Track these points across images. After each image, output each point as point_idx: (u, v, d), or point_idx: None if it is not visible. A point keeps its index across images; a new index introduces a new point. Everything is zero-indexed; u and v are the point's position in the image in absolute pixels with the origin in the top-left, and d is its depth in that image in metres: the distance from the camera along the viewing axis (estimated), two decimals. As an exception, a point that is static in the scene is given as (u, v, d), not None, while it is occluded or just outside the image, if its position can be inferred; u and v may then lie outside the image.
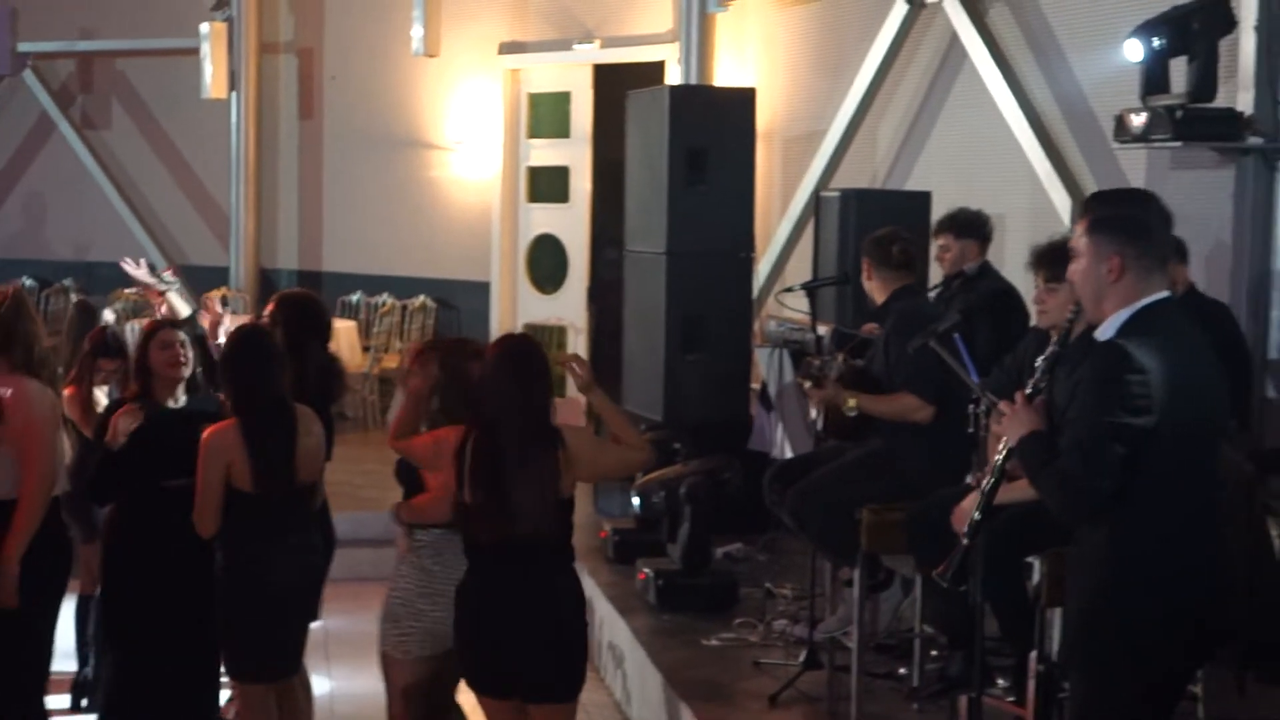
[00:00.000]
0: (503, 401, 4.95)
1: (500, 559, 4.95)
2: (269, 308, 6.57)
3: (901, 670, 6.61)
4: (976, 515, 4.44)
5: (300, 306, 6.54)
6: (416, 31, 13.94)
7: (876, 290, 6.69)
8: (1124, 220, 4.03)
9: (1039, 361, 4.24)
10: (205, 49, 15.05)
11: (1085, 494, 3.88)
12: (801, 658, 6.70)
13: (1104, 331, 3.99)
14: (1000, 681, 5.85)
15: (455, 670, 5.33)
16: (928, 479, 6.03)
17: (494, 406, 4.95)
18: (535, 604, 4.93)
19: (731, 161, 8.93)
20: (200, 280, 15.52)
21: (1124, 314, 3.96)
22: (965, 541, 4.49)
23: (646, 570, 7.96)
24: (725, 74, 12.39)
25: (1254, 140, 7.54)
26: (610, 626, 7.83)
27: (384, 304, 14.46)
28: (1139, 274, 3.97)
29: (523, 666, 4.93)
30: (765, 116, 10.90)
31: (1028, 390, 4.16)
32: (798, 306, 7.67)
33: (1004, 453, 4.27)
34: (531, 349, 5.13)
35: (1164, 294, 4.01)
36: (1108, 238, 3.99)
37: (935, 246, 7.59)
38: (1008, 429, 4.13)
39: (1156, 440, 3.84)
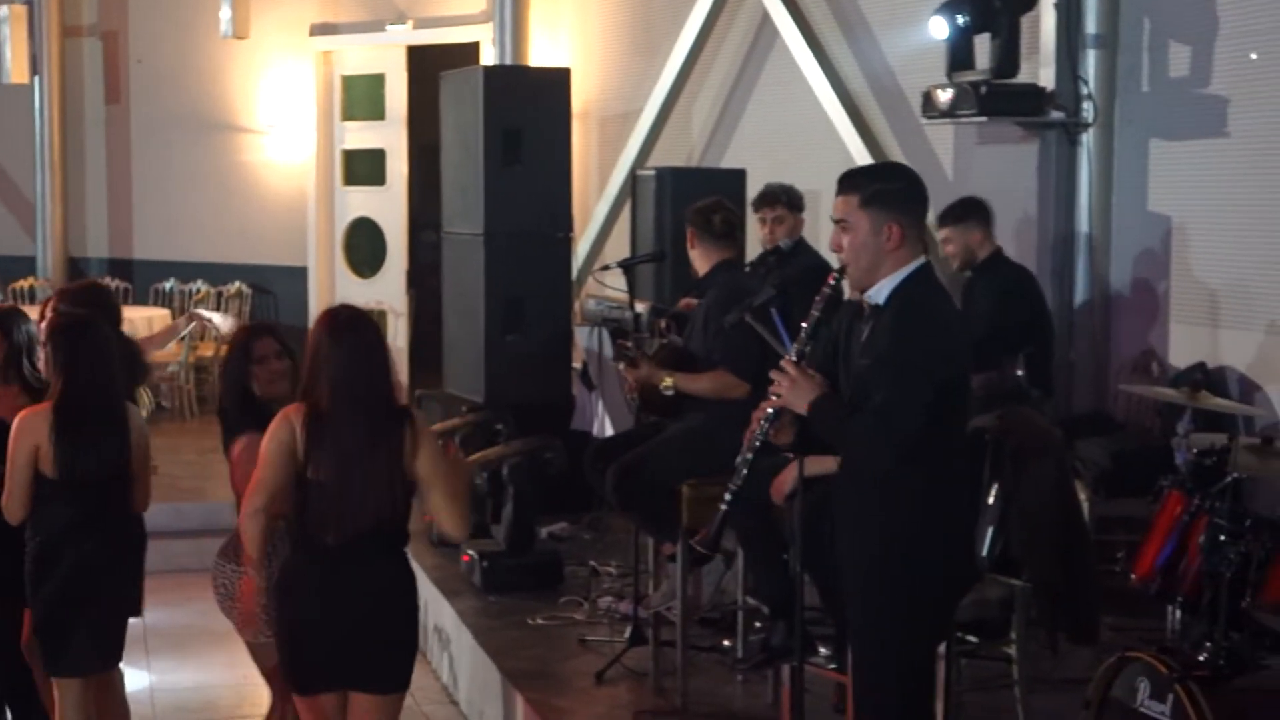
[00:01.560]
0: (344, 375, 4.61)
1: (337, 546, 4.63)
2: (51, 303, 6.31)
3: (726, 643, 6.67)
4: (737, 483, 4.53)
5: (89, 295, 6.35)
6: (224, 13, 13.72)
7: (699, 260, 6.72)
8: (898, 192, 4.28)
9: (804, 325, 4.38)
10: (4, 32, 14.64)
11: (896, 433, 4.06)
12: (627, 634, 6.73)
13: (878, 293, 4.22)
14: (822, 650, 5.92)
15: None
16: (747, 453, 6.08)
17: (335, 382, 4.60)
18: (371, 593, 4.68)
19: (547, 142, 8.94)
20: (6, 271, 15.13)
21: (898, 276, 4.20)
22: (724, 508, 4.61)
23: (471, 552, 7.93)
24: (540, 54, 12.39)
25: (1056, 115, 7.75)
26: (435, 609, 7.80)
27: (198, 291, 14.21)
28: (913, 241, 4.24)
29: (354, 657, 4.68)
30: (581, 96, 10.91)
31: (793, 357, 4.31)
32: (616, 285, 7.69)
33: (768, 419, 4.36)
34: (364, 320, 4.82)
35: (925, 259, 4.27)
36: (884, 209, 4.21)
37: (769, 219, 7.70)
38: (792, 398, 4.25)
39: (951, 393, 4.13)
